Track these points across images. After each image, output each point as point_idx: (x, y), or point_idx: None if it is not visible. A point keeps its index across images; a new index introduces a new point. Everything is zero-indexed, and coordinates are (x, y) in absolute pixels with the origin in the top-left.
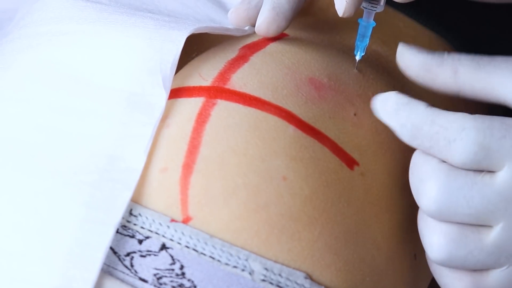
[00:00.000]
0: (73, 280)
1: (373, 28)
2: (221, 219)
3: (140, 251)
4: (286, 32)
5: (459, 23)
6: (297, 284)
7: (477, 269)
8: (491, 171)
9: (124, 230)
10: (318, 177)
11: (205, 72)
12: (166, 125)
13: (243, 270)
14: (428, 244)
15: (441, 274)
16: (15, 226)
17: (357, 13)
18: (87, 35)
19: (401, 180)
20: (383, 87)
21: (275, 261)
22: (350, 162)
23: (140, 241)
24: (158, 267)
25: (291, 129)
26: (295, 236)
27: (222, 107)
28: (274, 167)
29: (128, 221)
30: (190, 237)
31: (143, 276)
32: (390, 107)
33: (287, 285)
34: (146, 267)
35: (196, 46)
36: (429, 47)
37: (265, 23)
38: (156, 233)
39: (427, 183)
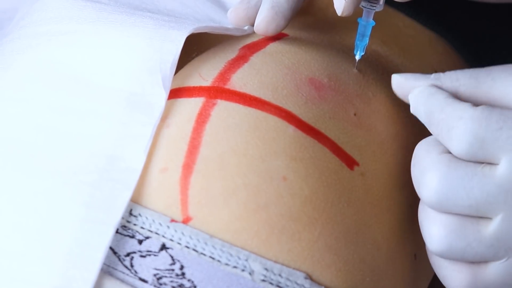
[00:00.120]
0: (73, 280)
1: (373, 27)
2: (221, 219)
3: (140, 251)
4: (285, 32)
5: (459, 22)
6: (297, 284)
7: (476, 261)
8: (491, 163)
9: (124, 230)
10: (318, 177)
11: (205, 72)
12: (166, 125)
13: (243, 270)
14: (428, 235)
15: (440, 266)
16: (15, 226)
17: (357, 12)
18: (86, 35)
19: (401, 180)
20: (383, 87)
21: (275, 261)
22: (350, 162)
23: (140, 241)
24: (158, 267)
25: (291, 129)
26: (295, 237)
27: (222, 107)
28: (274, 168)
29: (128, 221)
30: (190, 237)
31: (143, 276)
32: (421, 98)
33: (287, 285)
34: (146, 267)
35: (196, 46)
36: (429, 47)
37: (264, 22)
38: (156, 233)
39: (427, 174)
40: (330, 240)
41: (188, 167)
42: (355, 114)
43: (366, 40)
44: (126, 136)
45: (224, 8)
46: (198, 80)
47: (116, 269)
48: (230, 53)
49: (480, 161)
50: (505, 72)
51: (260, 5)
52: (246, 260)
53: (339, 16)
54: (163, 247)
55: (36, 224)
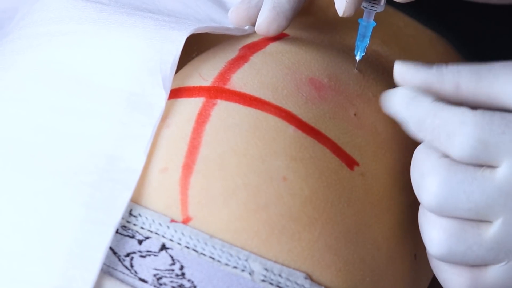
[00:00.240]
0: (73, 280)
1: (374, 28)
2: (221, 219)
3: (140, 251)
4: (286, 32)
5: (460, 22)
6: (297, 284)
7: (476, 264)
8: (491, 166)
9: (124, 230)
10: (318, 177)
11: (205, 72)
12: (166, 125)
13: (243, 270)
14: (428, 239)
15: (440, 269)
16: (15, 226)
17: (357, 13)
18: (87, 35)
19: (401, 180)
20: (383, 87)
21: (275, 262)
22: (350, 163)
23: (140, 242)
24: (158, 268)
25: (291, 129)
26: (295, 237)
27: (222, 107)
28: (274, 168)
29: (128, 222)
30: (190, 238)
31: (143, 277)
32: (399, 101)
33: (287, 286)
34: (146, 267)
35: (196, 46)
36: (430, 47)
37: (265, 23)
38: (156, 233)
39: (427, 178)
40: (330, 240)
41: (188, 167)
42: (355, 114)
43: (367, 40)
44: (126, 137)
45: (224, 8)
46: (198, 80)
47: (116, 269)
48: (230, 53)
49: (481, 164)
50: (506, 69)
51: (261, 5)
52: (246, 260)
53: (340, 16)
54: (163, 247)
55: (36, 224)
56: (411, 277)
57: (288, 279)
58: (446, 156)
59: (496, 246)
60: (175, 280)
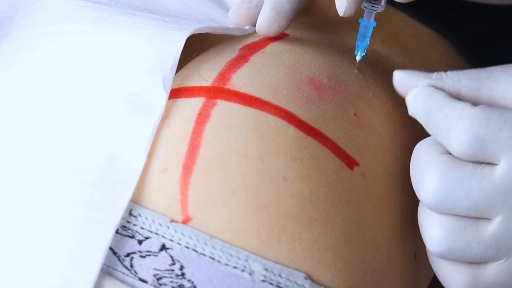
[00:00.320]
0: (73, 280)
1: (374, 28)
2: (221, 219)
3: (140, 251)
4: (286, 32)
5: (460, 22)
6: (297, 284)
7: (476, 262)
8: (490, 163)
9: (124, 230)
10: (318, 177)
11: (205, 72)
12: (166, 126)
13: (243, 270)
14: (427, 236)
15: (439, 266)
16: (15, 226)
17: (358, 13)
18: (87, 36)
19: (401, 180)
20: (383, 87)
21: (275, 262)
22: (350, 163)
23: (140, 242)
24: (158, 268)
25: (291, 129)
26: (295, 237)
27: (222, 107)
28: (274, 168)
29: (128, 222)
30: (190, 238)
31: (143, 277)
32: (420, 99)
33: (287, 286)
34: (146, 267)
35: (196, 46)
36: (430, 46)
37: (266, 23)
38: (156, 233)
39: (426, 175)
40: (330, 240)
41: (188, 167)
42: (355, 114)
43: (367, 40)
44: (126, 137)
45: (225, 8)
46: (198, 80)
47: (116, 270)
48: (230, 53)
49: (480, 161)
50: (505, 74)
51: (261, 5)
52: (246, 260)
53: (340, 16)
54: (163, 247)
55: (36, 224)
56: (411, 277)
57: (288, 279)
58: (446, 152)
59: (495, 244)
60: (175, 280)
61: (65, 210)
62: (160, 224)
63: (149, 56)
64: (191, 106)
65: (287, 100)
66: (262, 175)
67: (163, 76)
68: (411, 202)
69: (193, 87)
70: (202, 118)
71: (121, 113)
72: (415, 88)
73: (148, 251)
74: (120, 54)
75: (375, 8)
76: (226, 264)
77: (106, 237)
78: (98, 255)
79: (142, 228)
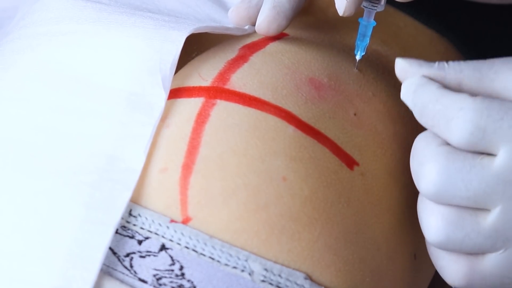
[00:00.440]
0: (73, 280)
1: (374, 27)
2: (220, 219)
3: (139, 251)
4: (286, 31)
5: (460, 22)
6: (297, 284)
7: (474, 252)
8: (490, 154)
9: (123, 230)
10: (318, 177)
11: (205, 72)
12: (166, 125)
13: (242, 270)
14: (426, 227)
15: (438, 256)
16: (15, 226)
17: (358, 12)
18: (87, 35)
19: (401, 180)
20: (383, 87)
21: (275, 262)
22: (350, 162)
23: (140, 242)
24: (157, 268)
25: (290, 129)
26: (295, 237)
27: (222, 107)
28: (274, 168)
29: (128, 222)
30: (190, 238)
31: (142, 277)
32: (409, 88)
33: (287, 286)
34: (145, 267)
35: (196, 45)
36: (430, 46)
37: (265, 22)
38: (156, 233)
39: (426, 166)
40: (330, 240)
41: (187, 167)
42: (355, 114)
43: (367, 40)
44: (126, 136)
45: (224, 8)
46: (198, 80)
47: (115, 270)
48: (230, 53)
49: (480, 151)
50: (507, 65)
51: (261, 4)
52: (246, 260)
53: (340, 16)
54: (163, 247)
55: (36, 224)
56: (411, 277)
57: (288, 279)
58: (445, 144)
59: (494, 234)
60: (175, 280)
61: (65, 210)
62: (160, 224)
63: (148, 55)
64: (190, 106)
65: (287, 100)
66: (262, 175)
67: (162, 76)
68: (411, 202)
69: (193, 87)
70: (201, 118)
71: (120, 113)
72: (408, 78)
73: (147, 251)
74: (119, 53)
75: (375, 8)
76: (226, 264)
77: (106, 237)
78: (98, 255)
79: (141, 228)
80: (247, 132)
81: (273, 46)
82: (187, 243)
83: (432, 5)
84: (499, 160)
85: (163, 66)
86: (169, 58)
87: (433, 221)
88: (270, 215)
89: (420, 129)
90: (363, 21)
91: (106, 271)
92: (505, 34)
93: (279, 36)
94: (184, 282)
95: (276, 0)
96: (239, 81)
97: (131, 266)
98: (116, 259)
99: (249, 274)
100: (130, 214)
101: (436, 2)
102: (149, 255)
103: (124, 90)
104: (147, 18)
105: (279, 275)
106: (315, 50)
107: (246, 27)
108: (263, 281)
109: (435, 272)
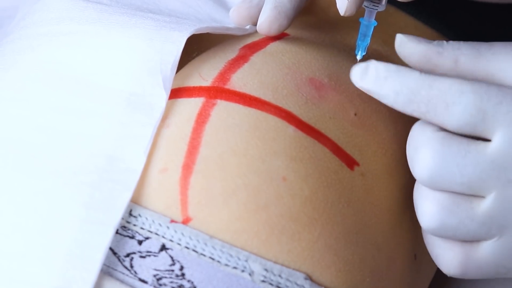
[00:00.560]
0: (73, 280)
1: (375, 27)
2: (221, 219)
3: (139, 251)
4: (286, 31)
5: (461, 21)
6: (297, 285)
7: (469, 239)
8: (485, 140)
9: (123, 230)
10: (318, 177)
11: (205, 72)
12: (166, 126)
13: (243, 271)
14: (421, 212)
15: (433, 244)
16: (15, 226)
17: (359, 12)
18: (87, 36)
19: (401, 180)
20: None
21: (275, 262)
22: (350, 163)
23: (140, 242)
24: (158, 268)
25: (291, 129)
26: (295, 237)
27: (222, 107)
28: (274, 168)
29: (128, 222)
30: (190, 238)
31: (142, 277)
32: (378, 75)
33: (287, 286)
34: (146, 268)
35: (197, 45)
36: None
37: (267, 22)
38: (156, 233)
39: (421, 151)
40: (330, 240)
41: (188, 167)
42: (355, 114)
43: (368, 40)
44: (126, 137)
45: (225, 8)
46: (198, 80)
47: (116, 270)
48: (230, 53)
49: (478, 135)
50: (506, 49)
51: (262, 4)
52: (246, 260)
53: (341, 16)
54: (163, 247)
55: (36, 224)
56: (411, 277)
57: (288, 280)
58: (441, 129)
59: (488, 221)
60: (175, 280)
61: (65, 210)
62: (160, 225)
63: (149, 56)
64: (191, 106)
65: (287, 100)
66: (262, 175)
67: (163, 76)
68: (411, 202)
69: (193, 87)
70: (202, 118)
71: (121, 113)
72: (365, 65)
73: (148, 252)
74: (120, 54)
75: (376, 7)
76: (226, 265)
77: (106, 237)
78: (98, 255)
79: (142, 228)
80: (247, 132)
81: (273, 46)
82: (187, 243)
83: (433, 5)
84: (495, 145)
85: (164, 66)
86: (170, 59)
87: (427, 206)
88: (270, 215)
89: None
90: (364, 21)
91: (106, 272)
92: (506, 33)
93: (280, 36)
94: (184, 283)
95: (278, 0)
96: (239, 81)
97: (131, 266)
98: (116, 259)
99: (249, 274)
100: (130, 214)
101: (436, 2)
102: (149, 255)
103: (125, 90)
104: (148, 19)
105: (279, 276)
106: (316, 50)
107: (247, 27)
108: (263, 281)
109: (435, 272)
